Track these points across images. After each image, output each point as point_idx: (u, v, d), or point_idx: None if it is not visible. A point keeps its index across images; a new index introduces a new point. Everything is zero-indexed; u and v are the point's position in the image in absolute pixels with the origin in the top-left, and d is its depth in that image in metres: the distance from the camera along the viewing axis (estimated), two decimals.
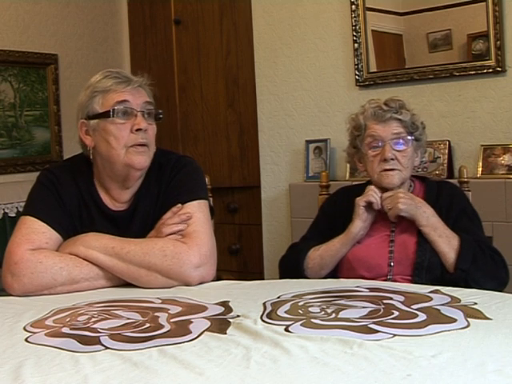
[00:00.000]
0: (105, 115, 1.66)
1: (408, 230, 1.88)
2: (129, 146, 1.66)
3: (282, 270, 2.03)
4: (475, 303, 1.32)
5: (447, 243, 1.80)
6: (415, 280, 1.79)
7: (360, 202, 1.89)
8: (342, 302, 1.36)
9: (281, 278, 1.97)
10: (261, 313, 1.30)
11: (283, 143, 3.46)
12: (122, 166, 1.67)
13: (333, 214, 2.01)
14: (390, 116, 1.89)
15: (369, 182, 2.04)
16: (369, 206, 1.90)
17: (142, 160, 1.68)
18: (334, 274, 1.91)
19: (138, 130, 1.66)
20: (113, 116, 1.65)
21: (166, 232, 1.64)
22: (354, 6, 3.14)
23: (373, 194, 1.88)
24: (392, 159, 1.87)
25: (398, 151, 1.88)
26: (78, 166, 1.77)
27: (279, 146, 3.48)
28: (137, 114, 1.67)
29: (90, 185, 1.75)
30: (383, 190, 1.91)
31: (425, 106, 2.96)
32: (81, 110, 1.72)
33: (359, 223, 1.89)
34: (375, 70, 3.15)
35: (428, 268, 1.81)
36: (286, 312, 1.30)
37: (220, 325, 1.23)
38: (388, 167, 1.87)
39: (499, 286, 1.77)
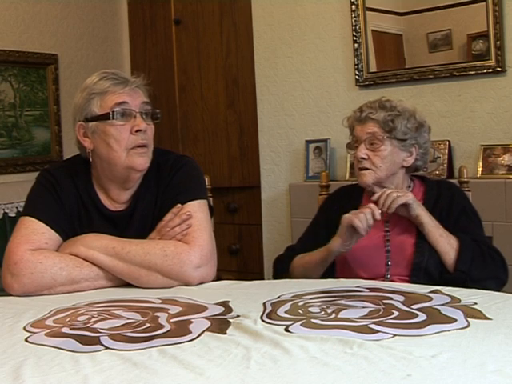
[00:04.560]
0: (104, 117, 1.66)
1: (405, 232, 1.89)
2: (130, 148, 1.66)
3: (274, 271, 2.06)
4: (475, 303, 1.32)
5: (447, 243, 1.80)
6: (413, 280, 1.79)
7: (344, 221, 1.81)
8: (342, 301, 1.36)
9: (273, 277, 1.99)
10: (261, 313, 1.30)
11: (283, 143, 3.46)
12: (123, 168, 1.67)
13: (331, 214, 2.01)
14: (365, 116, 1.90)
15: None
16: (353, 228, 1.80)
17: (143, 161, 1.68)
18: (333, 274, 1.91)
19: (137, 131, 1.66)
20: (112, 118, 1.65)
21: (169, 236, 1.64)
22: (354, 6, 3.14)
23: (361, 219, 1.76)
24: (364, 158, 1.88)
25: (371, 151, 1.89)
26: (77, 166, 1.77)
27: (279, 145, 3.48)
28: (136, 115, 1.66)
29: (89, 186, 1.75)
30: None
31: (425, 106, 2.96)
32: (78, 112, 1.70)
33: (338, 242, 1.83)
34: (375, 70, 3.15)
35: (426, 269, 1.81)
36: (285, 312, 1.30)
37: (220, 325, 1.23)
38: (360, 166, 1.90)
39: (498, 285, 1.77)
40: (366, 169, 1.89)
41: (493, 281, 1.77)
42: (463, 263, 1.76)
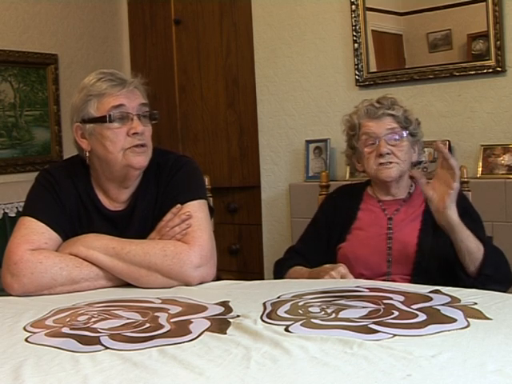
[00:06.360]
0: (101, 120, 1.65)
1: (408, 230, 1.88)
2: (126, 149, 1.66)
3: (274, 274, 2.04)
4: (475, 303, 1.32)
5: (475, 243, 1.74)
6: (414, 280, 1.79)
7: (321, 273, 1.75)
8: (342, 301, 1.36)
9: (274, 279, 1.98)
10: (261, 313, 1.30)
11: (283, 143, 3.46)
12: (121, 167, 1.67)
13: (331, 213, 2.01)
14: (383, 112, 1.90)
15: (368, 182, 2.05)
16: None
17: (141, 160, 1.68)
18: None
19: (134, 133, 1.66)
20: (109, 121, 1.64)
21: (169, 236, 1.64)
22: (354, 6, 3.14)
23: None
24: (388, 153, 1.88)
25: (393, 145, 1.89)
26: (76, 167, 1.77)
27: (279, 145, 3.48)
28: (133, 118, 1.66)
29: (88, 186, 1.75)
30: (383, 185, 1.92)
31: (425, 105, 2.96)
32: (75, 113, 1.70)
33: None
34: (375, 70, 3.15)
35: (427, 268, 1.81)
36: (286, 312, 1.30)
37: (220, 325, 1.23)
38: (384, 161, 1.88)
39: (507, 287, 1.77)
40: (389, 162, 1.89)
41: (507, 284, 1.77)
42: (489, 267, 1.72)
